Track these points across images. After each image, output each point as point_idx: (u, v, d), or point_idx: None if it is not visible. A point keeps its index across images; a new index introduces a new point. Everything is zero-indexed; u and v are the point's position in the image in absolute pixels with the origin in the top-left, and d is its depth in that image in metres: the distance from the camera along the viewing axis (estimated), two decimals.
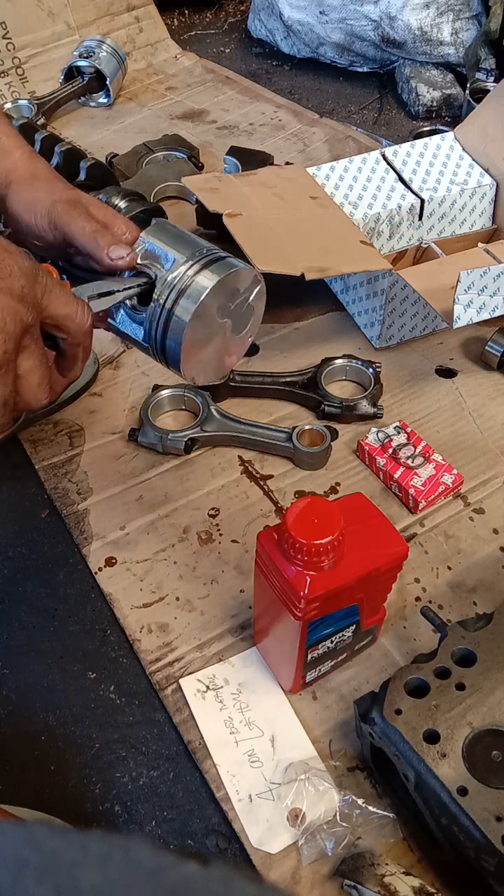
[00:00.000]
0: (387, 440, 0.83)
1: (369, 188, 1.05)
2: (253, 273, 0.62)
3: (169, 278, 0.59)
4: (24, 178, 0.64)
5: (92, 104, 1.55)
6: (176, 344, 0.59)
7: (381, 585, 0.59)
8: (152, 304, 0.60)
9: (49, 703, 0.68)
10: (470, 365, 0.96)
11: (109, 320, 0.63)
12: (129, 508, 0.81)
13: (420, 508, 0.79)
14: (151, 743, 0.65)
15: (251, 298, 0.64)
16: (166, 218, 1.07)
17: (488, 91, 1.36)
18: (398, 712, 0.54)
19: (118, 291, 0.59)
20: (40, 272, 0.52)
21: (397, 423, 0.85)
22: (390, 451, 0.82)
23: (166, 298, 0.59)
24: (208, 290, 0.58)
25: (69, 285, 0.57)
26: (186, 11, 1.99)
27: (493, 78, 1.46)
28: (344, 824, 0.56)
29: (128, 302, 0.61)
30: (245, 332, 0.66)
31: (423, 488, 0.78)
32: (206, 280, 0.58)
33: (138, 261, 0.60)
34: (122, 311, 0.62)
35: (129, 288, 0.59)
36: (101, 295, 0.58)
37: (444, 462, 0.81)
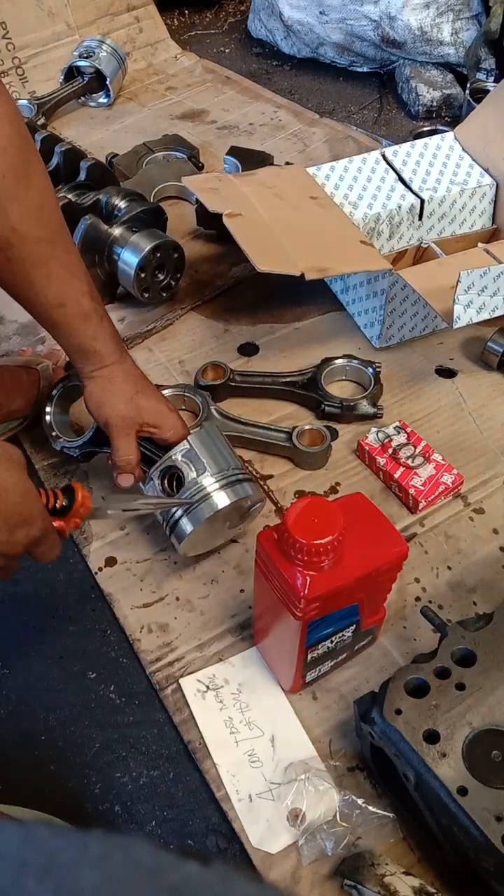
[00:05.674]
0: (387, 440, 0.83)
1: (369, 188, 1.05)
2: (260, 496, 0.73)
3: (192, 489, 0.69)
4: (98, 384, 0.71)
5: (92, 104, 1.55)
6: (179, 542, 0.70)
7: (381, 585, 0.59)
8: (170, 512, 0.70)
9: (49, 703, 0.68)
10: (470, 365, 0.96)
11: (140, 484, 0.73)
12: None
13: (420, 508, 0.79)
14: (151, 743, 0.65)
15: (253, 509, 0.73)
16: (166, 219, 1.07)
17: (488, 91, 1.36)
18: (398, 712, 0.54)
19: (142, 510, 0.71)
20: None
21: (397, 423, 0.85)
22: (390, 451, 0.82)
23: (175, 513, 0.69)
24: (213, 511, 0.68)
25: (89, 503, 0.62)
26: (186, 11, 1.99)
27: (493, 78, 1.46)
28: (344, 824, 0.56)
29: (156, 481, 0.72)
30: (244, 523, 0.75)
31: (423, 488, 0.78)
32: (219, 501, 0.68)
33: (179, 458, 0.70)
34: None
35: (159, 506, 0.71)
36: (125, 510, 0.68)
37: (444, 462, 0.81)
